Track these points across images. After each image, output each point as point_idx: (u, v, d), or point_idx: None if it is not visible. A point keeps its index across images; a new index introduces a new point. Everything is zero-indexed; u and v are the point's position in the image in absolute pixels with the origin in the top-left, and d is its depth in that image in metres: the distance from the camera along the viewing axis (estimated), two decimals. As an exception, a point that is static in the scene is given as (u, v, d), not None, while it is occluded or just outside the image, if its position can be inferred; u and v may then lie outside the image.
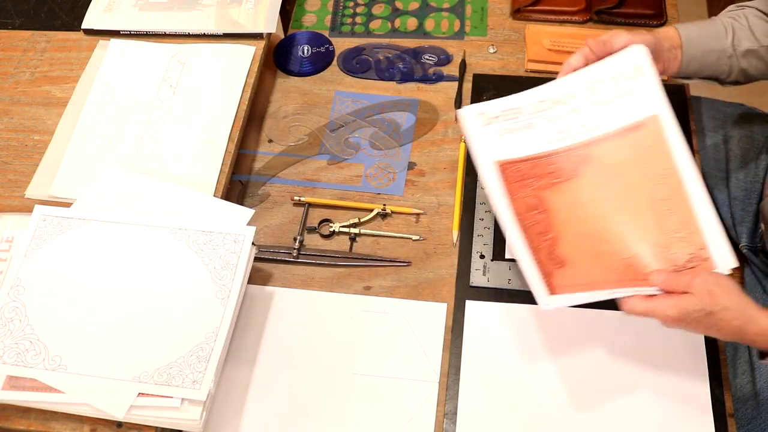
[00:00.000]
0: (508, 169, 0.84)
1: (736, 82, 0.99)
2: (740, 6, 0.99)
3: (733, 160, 1.16)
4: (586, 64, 0.90)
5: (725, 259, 0.79)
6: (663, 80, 1.12)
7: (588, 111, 0.85)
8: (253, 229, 0.89)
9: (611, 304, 0.81)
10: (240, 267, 0.86)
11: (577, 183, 0.84)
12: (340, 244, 0.99)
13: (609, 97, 0.85)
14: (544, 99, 0.87)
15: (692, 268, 0.79)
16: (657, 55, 0.91)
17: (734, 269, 0.81)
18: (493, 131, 0.86)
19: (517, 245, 0.82)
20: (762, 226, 1.06)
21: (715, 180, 1.17)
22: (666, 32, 0.95)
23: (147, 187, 0.94)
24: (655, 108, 0.84)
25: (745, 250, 1.12)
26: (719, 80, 0.99)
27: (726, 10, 1.00)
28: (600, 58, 0.87)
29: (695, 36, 0.95)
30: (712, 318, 0.74)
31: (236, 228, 0.89)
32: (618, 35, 0.87)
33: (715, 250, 0.80)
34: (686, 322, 0.75)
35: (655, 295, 0.77)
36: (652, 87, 0.85)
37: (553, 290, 0.80)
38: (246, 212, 0.92)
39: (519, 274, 0.93)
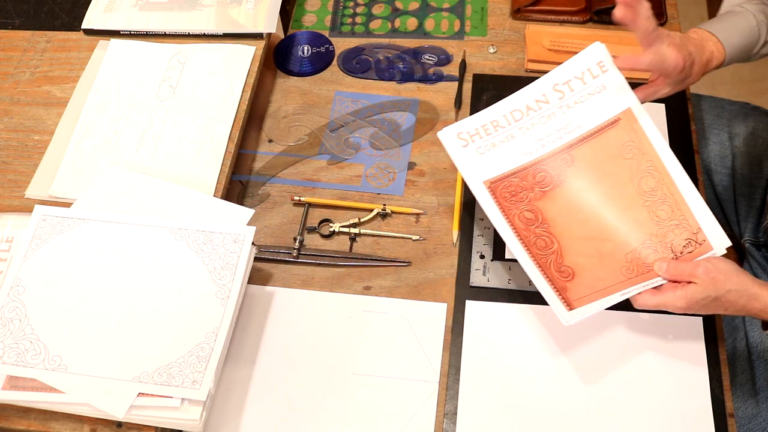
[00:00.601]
0: (498, 186, 0.86)
1: None
2: None
3: (738, 157, 1.16)
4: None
5: (720, 239, 0.82)
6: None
7: (562, 114, 0.87)
8: (253, 229, 0.89)
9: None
10: (240, 267, 0.86)
11: (567, 187, 0.85)
12: (340, 244, 0.99)
13: (579, 97, 0.87)
14: (516, 108, 0.87)
15: (691, 252, 0.82)
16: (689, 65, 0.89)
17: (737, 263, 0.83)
18: (474, 150, 0.87)
19: (527, 266, 0.83)
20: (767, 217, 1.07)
21: (720, 176, 1.17)
22: (712, 51, 0.93)
23: (147, 187, 0.94)
24: (626, 102, 0.86)
25: (747, 245, 1.12)
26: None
27: None
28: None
29: (737, 52, 0.95)
30: (718, 302, 0.78)
31: (236, 228, 0.89)
32: (667, 51, 0.86)
33: (709, 232, 0.82)
34: (695, 309, 0.78)
35: (662, 285, 0.80)
36: (619, 82, 0.86)
37: (570, 305, 0.81)
38: (246, 212, 0.91)
39: (519, 274, 0.93)
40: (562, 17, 1.18)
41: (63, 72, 1.11)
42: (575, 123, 0.86)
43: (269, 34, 1.12)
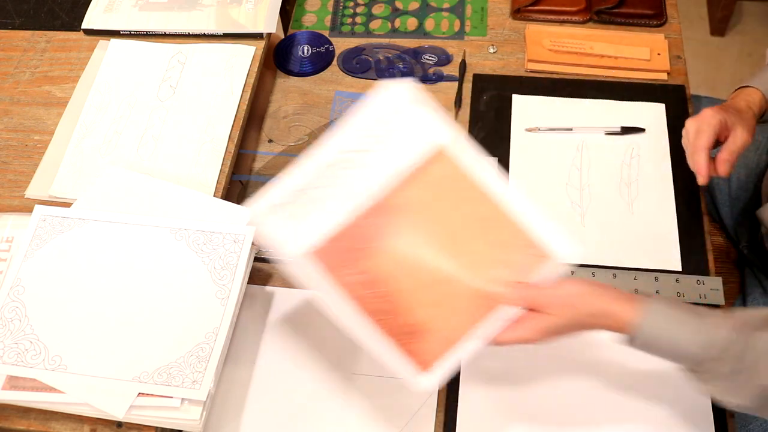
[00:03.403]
0: (322, 254, 0.75)
1: None
2: None
3: None
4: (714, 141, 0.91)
5: (565, 248, 0.78)
6: (663, 80, 1.13)
7: (373, 163, 0.79)
8: (253, 228, 0.89)
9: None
10: (240, 267, 0.86)
11: (395, 238, 0.77)
12: (340, 244, 0.98)
13: (389, 140, 0.79)
14: (324, 164, 0.78)
15: (538, 269, 0.77)
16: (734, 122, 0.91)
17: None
18: (288, 220, 0.77)
19: (372, 337, 0.74)
20: (762, 230, 1.06)
21: (716, 180, 1.17)
22: (748, 99, 0.95)
23: (147, 187, 0.94)
24: (440, 136, 0.79)
25: (745, 251, 1.12)
26: None
27: None
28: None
29: None
30: (579, 326, 0.76)
31: (236, 228, 0.89)
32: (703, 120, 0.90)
33: (554, 245, 0.78)
34: (556, 337, 0.76)
35: (521, 317, 0.76)
36: (428, 119, 0.80)
37: (425, 366, 0.74)
38: (246, 212, 0.91)
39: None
40: (562, 17, 1.18)
41: (63, 72, 1.11)
42: (391, 167, 0.78)
43: (269, 34, 1.12)
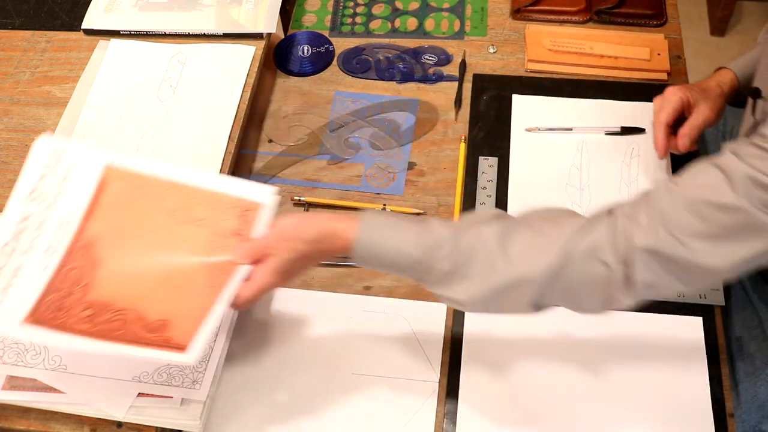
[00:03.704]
0: (37, 314, 0.75)
1: None
2: None
3: None
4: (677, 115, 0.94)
5: (261, 192, 0.81)
6: (663, 80, 1.13)
7: (52, 214, 0.80)
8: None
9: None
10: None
11: (107, 264, 0.78)
12: (340, 244, 0.98)
13: (57, 190, 0.81)
14: (8, 240, 0.79)
15: (252, 222, 0.80)
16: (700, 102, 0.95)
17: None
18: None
19: (126, 353, 0.74)
20: None
21: None
22: (719, 79, 0.98)
23: (147, 187, 0.94)
24: (101, 162, 0.82)
25: None
26: None
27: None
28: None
29: (747, 63, 0.98)
30: (309, 255, 0.75)
31: (236, 228, 0.89)
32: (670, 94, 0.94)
33: (253, 194, 0.81)
34: (294, 274, 0.76)
35: (251, 272, 0.77)
36: (82, 152, 0.83)
37: (182, 346, 0.75)
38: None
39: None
40: (562, 17, 1.18)
41: (63, 72, 1.11)
42: (69, 210, 0.80)
43: (269, 34, 1.12)
